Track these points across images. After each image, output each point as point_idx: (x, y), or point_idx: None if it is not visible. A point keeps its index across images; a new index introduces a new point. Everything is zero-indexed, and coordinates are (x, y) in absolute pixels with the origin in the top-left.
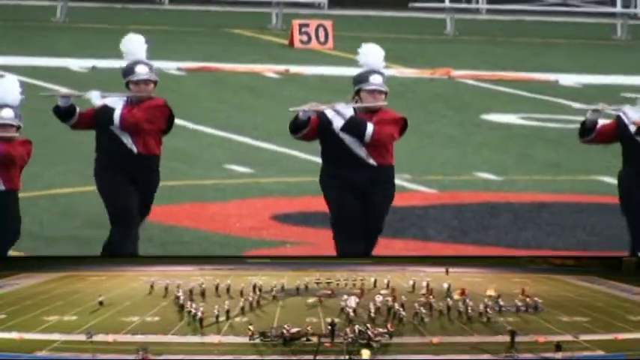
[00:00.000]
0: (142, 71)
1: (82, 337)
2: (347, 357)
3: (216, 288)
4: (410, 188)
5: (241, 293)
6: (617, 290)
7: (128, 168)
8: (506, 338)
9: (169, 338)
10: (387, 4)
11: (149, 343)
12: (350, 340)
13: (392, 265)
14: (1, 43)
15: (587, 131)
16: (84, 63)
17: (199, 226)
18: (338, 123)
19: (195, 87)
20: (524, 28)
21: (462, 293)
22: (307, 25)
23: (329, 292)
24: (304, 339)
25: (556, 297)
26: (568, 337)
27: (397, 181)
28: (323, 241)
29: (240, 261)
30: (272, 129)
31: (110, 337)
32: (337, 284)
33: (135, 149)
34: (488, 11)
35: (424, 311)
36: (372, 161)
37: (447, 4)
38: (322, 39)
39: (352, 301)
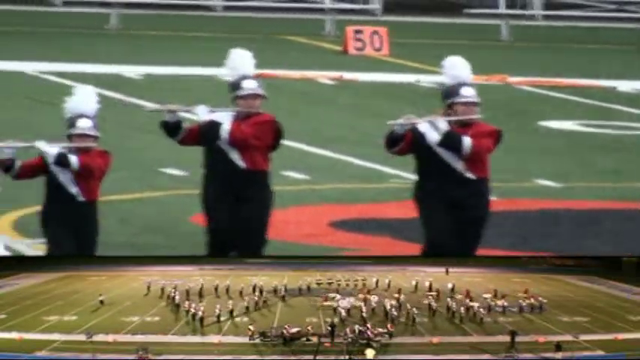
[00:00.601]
0: (249, 86)
1: (82, 337)
2: (347, 357)
3: (216, 289)
4: None
5: (241, 293)
6: (617, 290)
7: (235, 184)
8: (507, 338)
9: (169, 338)
10: (442, 10)
11: (149, 343)
12: (350, 340)
13: (392, 265)
14: (56, 51)
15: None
16: (137, 70)
17: None
18: (432, 137)
19: None
20: (580, 34)
21: (467, 294)
22: (361, 32)
23: (335, 292)
24: (304, 339)
25: (556, 297)
26: (568, 337)
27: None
28: (379, 248)
29: (240, 261)
30: (327, 135)
31: (110, 337)
32: (338, 284)
33: (243, 165)
34: (544, 17)
35: (416, 312)
36: (469, 175)
37: (502, 10)
38: (377, 45)
39: (345, 302)
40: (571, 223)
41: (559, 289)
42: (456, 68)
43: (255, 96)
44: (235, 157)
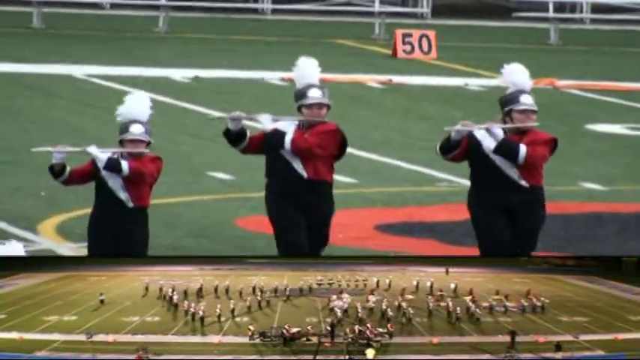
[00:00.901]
0: (315, 95)
1: (82, 337)
2: (347, 357)
3: (216, 289)
4: None
5: (240, 294)
6: (617, 290)
7: (298, 194)
8: (507, 338)
9: (169, 338)
10: (491, 13)
11: (149, 343)
12: (350, 340)
13: (392, 265)
14: (105, 54)
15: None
16: (186, 73)
17: None
18: (488, 144)
19: None
20: (628, 38)
21: (471, 294)
22: (410, 35)
23: (339, 292)
24: (304, 339)
25: (556, 297)
26: (568, 337)
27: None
28: (425, 251)
29: (240, 261)
30: (375, 139)
31: (110, 337)
32: (339, 284)
33: (305, 175)
34: (593, 21)
35: (412, 312)
36: (523, 182)
37: (551, 13)
38: (425, 49)
39: (340, 302)
40: (616, 225)
41: (559, 289)
42: (516, 75)
43: (321, 105)
44: (299, 166)
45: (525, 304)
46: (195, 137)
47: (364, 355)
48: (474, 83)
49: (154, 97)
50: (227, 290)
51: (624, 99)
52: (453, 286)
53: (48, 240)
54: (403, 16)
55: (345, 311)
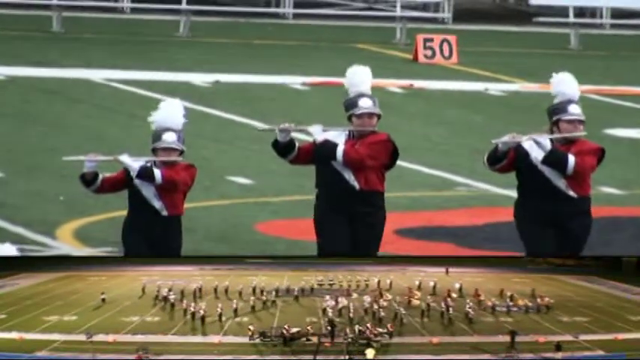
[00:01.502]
0: (365, 105)
1: (82, 337)
2: (347, 357)
3: (215, 290)
4: None
5: (240, 294)
6: (617, 290)
7: (349, 205)
8: (507, 338)
9: (169, 338)
10: (511, 18)
11: (149, 343)
12: (350, 340)
13: (392, 265)
14: (125, 58)
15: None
16: (207, 77)
17: None
18: (536, 154)
19: (320, 101)
20: None
21: (476, 294)
22: (431, 40)
23: (344, 292)
24: (304, 339)
25: (556, 297)
26: (568, 337)
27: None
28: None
29: (240, 261)
30: (396, 143)
31: (110, 337)
32: (340, 285)
33: (357, 185)
34: (613, 26)
35: (404, 312)
36: (571, 193)
37: (571, 19)
38: (447, 54)
39: (332, 302)
40: (633, 229)
41: (559, 289)
42: (564, 84)
43: (372, 115)
44: (350, 177)
45: (530, 304)
46: (215, 142)
47: (364, 355)
48: (495, 88)
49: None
50: (226, 291)
51: None
52: (457, 286)
53: (66, 245)
54: (424, 21)
55: (339, 311)
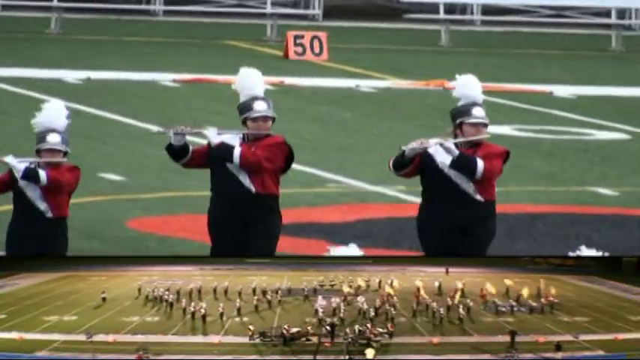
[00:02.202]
0: (260, 108)
1: (82, 337)
2: (347, 357)
3: (214, 290)
4: (405, 199)
5: (240, 294)
6: (617, 290)
7: (245, 208)
8: (507, 338)
9: (169, 338)
10: (382, 15)
11: (149, 343)
12: (350, 340)
13: (392, 265)
14: None
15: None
16: (78, 74)
17: (194, 237)
18: (442, 159)
19: (190, 99)
20: (518, 40)
21: (482, 295)
22: (302, 37)
23: (355, 295)
24: (304, 339)
25: (556, 297)
26: (568, 337)
27: (392, 193)
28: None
29: (240, 261)
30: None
31: (110, 337)
32: (341, 285)
33: (253, 189)
34: (483, 22)
35: (394, 312)
36: (478, 197)
37: (442, 15)
38: (317, 50)
39: (325, 302)
40: (505, 226)
41: (559, 289)
42: (467, 87)
43: (267, 118)
44: (245, 180)
45: (534, 304)
46: (87, 138)
47: (364, 355)
48: (365, 85)
49: (46, 98)
50: (226, 291)
51: (513, 100)
52: (460, 285)
53: None
54: (295, 18)
55: (333, 311)
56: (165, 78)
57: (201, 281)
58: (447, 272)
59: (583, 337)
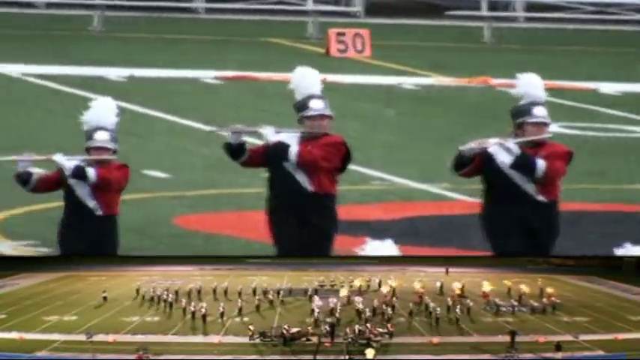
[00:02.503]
0: (317, 106)
1: (82, 337)
2: (347, 357)
3: (214, 291)
4: (450, 197)
5: (239, 294)
6: (617, 290)
7: (301, 207)
8: (506, 338)
9: (169, 338)
10: (424, 12)
11: (149, 343)
12: (350, 340)
13: (392, 265)
14: (39, 53)
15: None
16: (122, 72)
17: (240, 234)
18: (502, 159)
19: (233, 96)
20: (562, 37)
21: (484, 295)
22: (344, 34)
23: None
24: (304, 339)
25: (556, 297)
26: (568, 337)
27: (437, 190)
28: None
29: (240, 261)
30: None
31: (110, 337)
32: (342, 285)
33: (309, 188)
34: (527, 19)
35: (390, 312)
36: (540, 197)
37: (485, 12)
38: (359, 47)
39: (321, 302)
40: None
41: (559, 289)
42: (530, 86)
43: (323, 116)
44: (302, 179)
45: (536, 304)
46: (131, 136)
47: (364, 355)
48: (408, 82)
49: (90, 96)
50: (225, 292)
51: (558, 97)
52: (459, 285)
53: None
54: (336, 15)
55: (330, 311)
56: (208, 75)
57: (201, 281)
58: (447, 272)
59: (583, 337)
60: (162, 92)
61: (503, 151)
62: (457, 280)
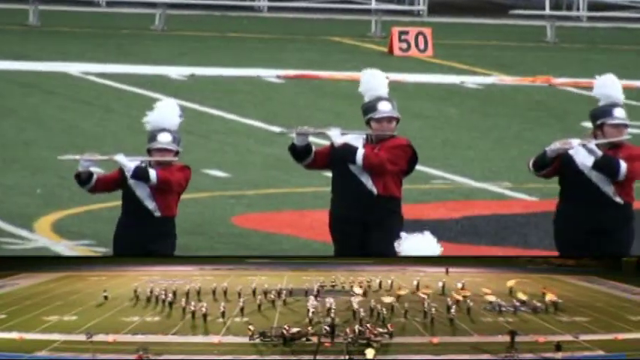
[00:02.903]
0: (385, 108)
1: (82, 337)
2: (347, 357)
3: (214, 292)
4: (511, 196)
5: (239, 295)
6: (617, 290)
7: (366, 210)
8: (506, 338)
9: (169, 338)
10: (487, 11)
11: (149, 343)
12: (350, 340)
13: (392, 265)
14: (101, 51)
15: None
16: (182, 71)
17: (299, 233)
18: (582, 160)
19: (294, 95)
20: (625, 35)
21: (486, 295)
22: (407, 33)
23: (360, 293)
24: (304, 339)
25: (556, 297)
26: (568, 337)
27: (497, 189)
28: None
29: (240, 261)
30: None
31: (110, 337)
32: (343, 286)
33: (375, 190)
34: (589, 19)
35: (385, 312)
36: (618, 199)
37: (548, 11)
38: (422, 46)
39: (316, 302)
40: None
41: (559, 289)
42: (608, 87)
43: (391, 119)
44: (367, 181)
45: (538, 304)
46: (191, 134)
47: (364, 355)
48: (470, 81)
49: (150, 94)
50: (225, 292)
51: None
52: (460, 285)
53: (44, 238)
54: (399, 14)
55: (327, 310)
56: (270, 74)
57: (201, 281)
58: (446, 272)
59: (583, 337)
60: (222, 91)
61: (584, 151)
62: (457, 279)
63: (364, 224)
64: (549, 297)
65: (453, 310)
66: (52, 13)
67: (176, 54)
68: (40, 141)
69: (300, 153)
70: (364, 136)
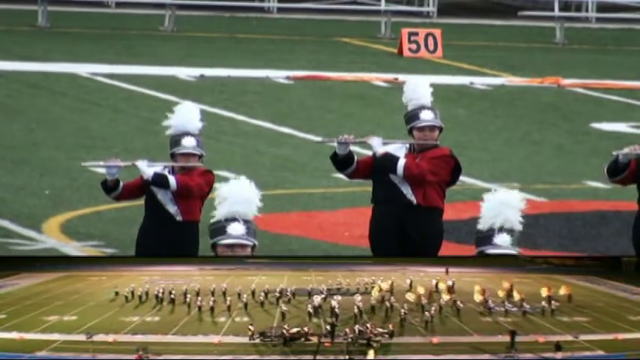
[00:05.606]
0: (427, 117)
1: (82, 337)
2: (347, 357)
3: (212, 293)
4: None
5: (239, 295)
6: (617, 290)
7: (405, 220)
8: (506, 338)
9: (169, 338)
10: (497, 12)
11: (149, 343)
12: (350, 340)
13: (392, 265)
14: (110, 52)
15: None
16: (191, 72)
17: (308, 234)
18: None
19: (304, 95)
20: (634, 37)
21: (483, 294)
22: (416, 34)
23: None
24: (304, 339)
25: (556, 297)
26: (568, 337)
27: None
28: None
29: (240, 261)
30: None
31: (110, 337)
32: (348, 287)
33: (414, 200)
34: (598, 20)
35: (391, 311)
36: None
37: (557, 12)
38: (431, 47)
39: (316, 301)
40: (620, 224)
41: (559, 289)
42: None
43: (433, 128)
44: (408, 192)
45: (537, 304)
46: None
47: (364, 355)
48: (480, 82)
49: (159, 95)
50: (224, 293)
51: (629, 97)
52: (445, 286)
53: (53, 239)
54: (409, 15)
55: (331, 311)
56: (279, 75)
57: (201, 282)
58: (446, 272)
59: (583, 337)
60: (232, 92)
61: None
62: (458, 279)
63: (403, 234)
64: (563, 291)
65: (453, 310)
66: (61, 14)
67: (185, 55)
68: (49, 142)
69: (342, 162)
70: (407, 146)
